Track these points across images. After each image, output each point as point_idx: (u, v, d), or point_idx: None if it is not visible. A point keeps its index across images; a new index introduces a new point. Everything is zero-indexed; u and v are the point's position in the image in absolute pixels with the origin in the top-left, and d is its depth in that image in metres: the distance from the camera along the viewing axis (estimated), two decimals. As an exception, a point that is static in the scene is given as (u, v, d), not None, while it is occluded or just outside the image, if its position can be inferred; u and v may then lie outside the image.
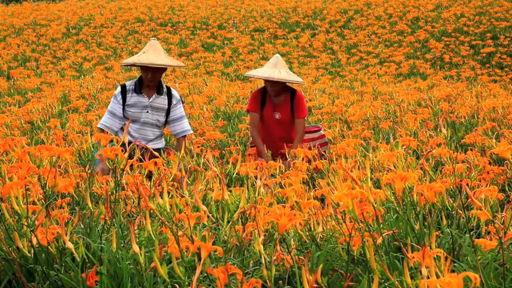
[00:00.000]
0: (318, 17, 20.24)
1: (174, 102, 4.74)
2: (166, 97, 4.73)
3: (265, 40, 18.60)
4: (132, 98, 4.65)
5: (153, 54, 4.59)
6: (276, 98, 5.09)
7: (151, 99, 4.66)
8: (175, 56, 17.01)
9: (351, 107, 8.30)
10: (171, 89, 4.80)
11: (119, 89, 4.70)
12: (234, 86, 10.95)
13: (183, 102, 8.68)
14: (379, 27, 19.04)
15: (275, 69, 5.01)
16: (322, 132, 5.42)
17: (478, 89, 9.98)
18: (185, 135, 4.80)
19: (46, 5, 25.07)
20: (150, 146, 4.56)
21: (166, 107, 4.73)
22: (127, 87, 4.68)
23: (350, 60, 16.71)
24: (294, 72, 11.68)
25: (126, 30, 19.66)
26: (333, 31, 19.07)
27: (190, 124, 5.07)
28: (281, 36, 18.89)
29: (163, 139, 4.87)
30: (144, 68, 4.58)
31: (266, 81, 5.03)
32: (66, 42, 18.31)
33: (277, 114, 5.10)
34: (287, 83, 5.10)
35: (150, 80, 4.61)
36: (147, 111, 4.67)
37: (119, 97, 4.64)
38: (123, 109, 4.64)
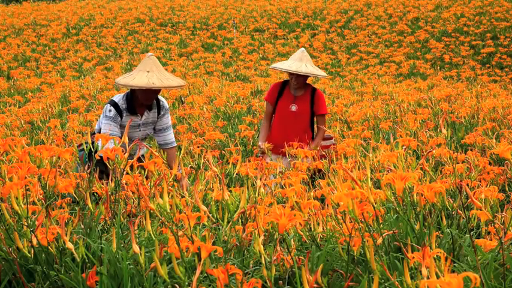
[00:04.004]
0: (318, 17, 20.25)
1: (162, 112, 4.37)
2: (156, 110, 4.34)
3: (265, 40, 18.60)
4: (126, 119, 4.16)
5: (159, 73, 4.11)
6: (296, 90, 5.18)
7: (143, 117, 4.27)
8: (176, 56, 17.02)
9: (351, 107, 8.31)
10: (160, 98, 4.36)
11: (112, 110, 4.12)
12: (234, 86, 10.95)
13: (182, 103, 8.71)
14: (379, 28, 19.05)
15: (301, 63, 5.09)
16: (333, 141, 5.55)
17: (478, 89, 9.99)
18: (172, 147, 4.43)
19: (46, 5, 25.07)
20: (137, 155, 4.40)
21: (156, 119, 4.37)
22: (120, 107, 4.15)
23: (350, 61, 16.72)
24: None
25: (126, 30, 19.66)
26: (333, 31, 19.08)
27: (175, 135, 4.64)
28: (281, 36, 18.90)
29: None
30: (145, 90, 4.11)
31: (291, 74, 5.11)
32: (66, 42, 18.30)
33: (294, 106, 5.18)
34: (307, 81, 5.23)
35: (148, 100, 4.20)
36: (139, 130, 4.29)
37: (118, 119, 4.12)
38: None
